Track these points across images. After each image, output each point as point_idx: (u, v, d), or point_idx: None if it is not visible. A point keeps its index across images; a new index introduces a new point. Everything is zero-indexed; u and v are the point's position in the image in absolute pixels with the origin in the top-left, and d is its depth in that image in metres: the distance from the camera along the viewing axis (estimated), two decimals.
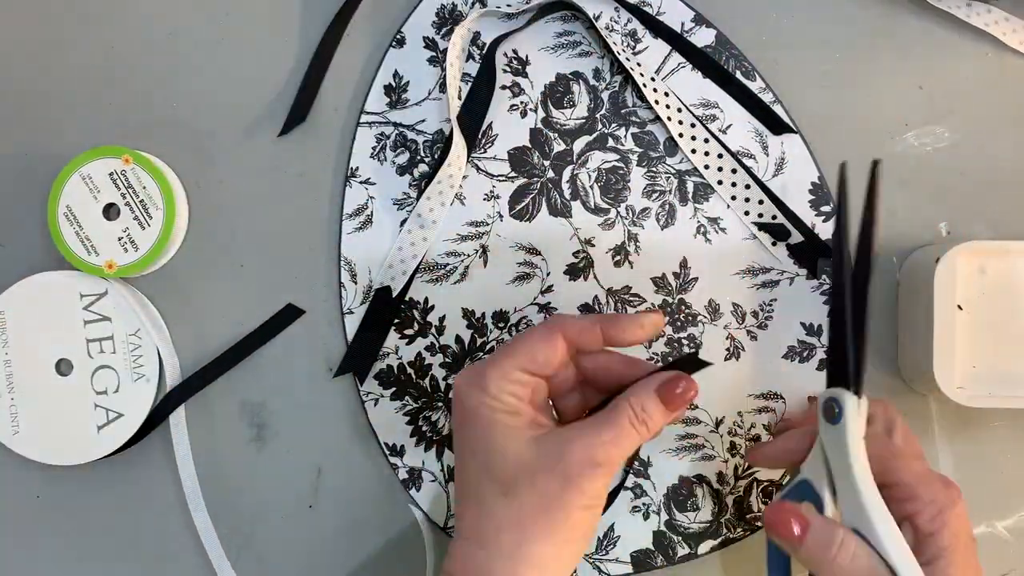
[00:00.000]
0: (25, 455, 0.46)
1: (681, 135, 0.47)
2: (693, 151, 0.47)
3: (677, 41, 0.47)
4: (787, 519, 0.36)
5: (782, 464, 0.42)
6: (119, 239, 0.45)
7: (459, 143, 0.46)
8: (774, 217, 0.46)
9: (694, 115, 0.47)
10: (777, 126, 0.47)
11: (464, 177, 0.47)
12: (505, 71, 0.48)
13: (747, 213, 0.47)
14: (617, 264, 0.47)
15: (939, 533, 0.35)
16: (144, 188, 0.45)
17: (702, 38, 0.48)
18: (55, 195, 0.45)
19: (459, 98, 0.47)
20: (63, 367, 0.46)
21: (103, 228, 0.45)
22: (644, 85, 0.46)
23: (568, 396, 0.39)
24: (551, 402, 0.39)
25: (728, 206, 0.47)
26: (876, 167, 0.37)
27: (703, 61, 0.47)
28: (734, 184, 0.47)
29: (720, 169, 0.47)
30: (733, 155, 0.47)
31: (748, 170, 0.47)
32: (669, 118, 0.47)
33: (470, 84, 0.47)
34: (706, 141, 0.47)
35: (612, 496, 0.46)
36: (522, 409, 0.36)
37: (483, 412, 0.35)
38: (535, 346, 0.36)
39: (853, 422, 0.36)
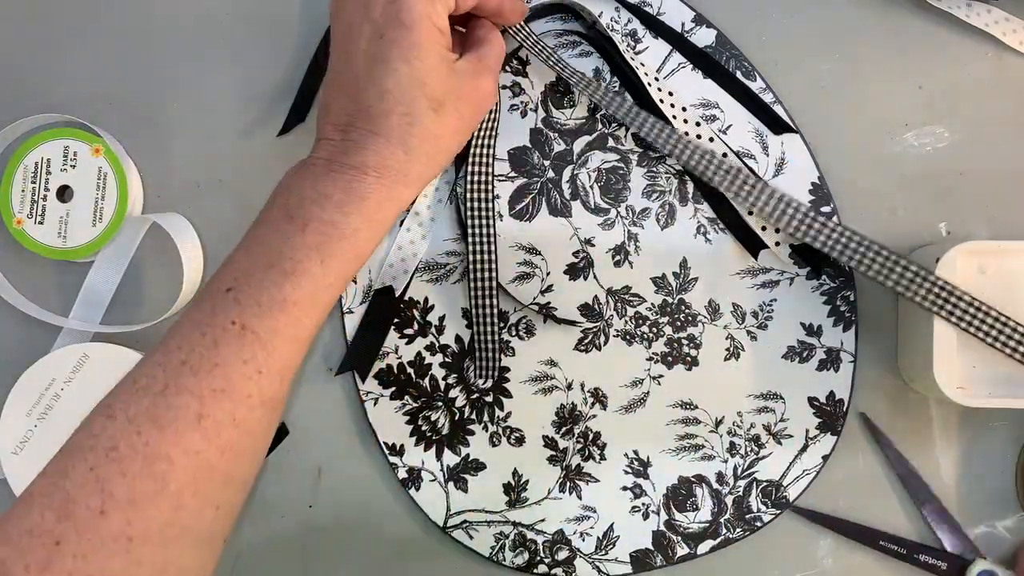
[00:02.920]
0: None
1: (686, 133, 0.47)
2: None
3: (677, 41, 0.47)
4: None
5: None
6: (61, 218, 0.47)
7: None
8: None
9: (698, 115, 0.47)
10: (777, 126, 0.47)
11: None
12: (505, 71, 0.48)
13: (751, 213, 0.47)
14: (617, 264, 0.47)
15: None
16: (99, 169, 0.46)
17: (702, 38, 0.48)
18: (12, 166, 0.47)
19: None
20: None
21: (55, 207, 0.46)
22: (648, 84, 0.46)
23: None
24: None
25: (731, 205, 0.47)
26: None
27: (703, 61, 0.47)
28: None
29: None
30: (737, 154, 0.47)
31: (752, 171, 0.47)
32: (675, 116, 0.47)
33: None
34: (711, 140, 0.47)
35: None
36: (446, 31, 0.39)
37: (426, 24, 0.37)
38: None
39: None
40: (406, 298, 0.47)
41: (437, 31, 0.38)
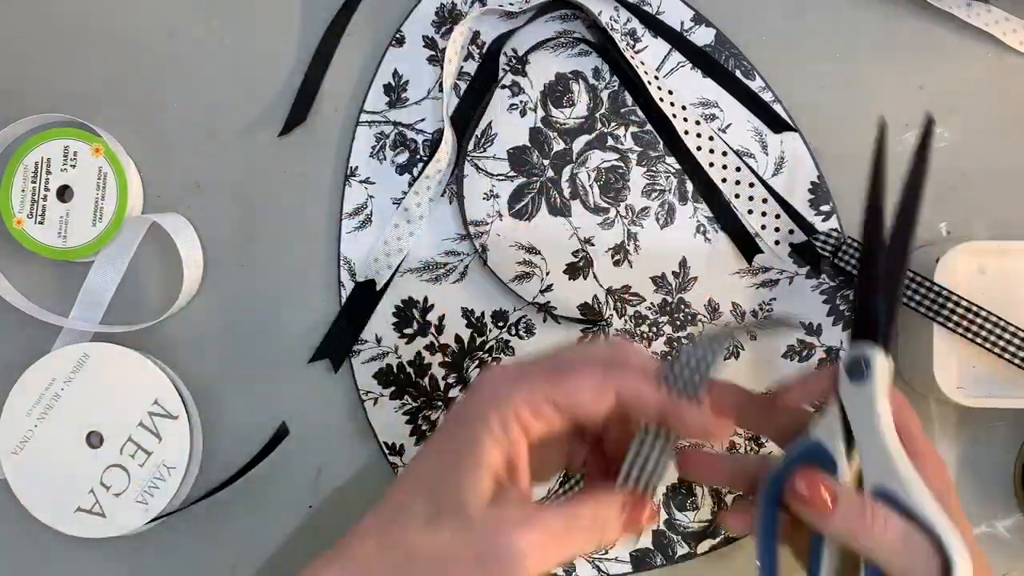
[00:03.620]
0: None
1: (687, 132, 0.47)
2: (699, 148, 0.47)
3: (677, 40, 0.47)
4: (818, 488, 0.32)
5: (802, 402, 0.38)
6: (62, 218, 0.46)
7: (449, 139, 0.46)
8: (777, 216, 0.46)
9: (698, 114, 0.47)
10: (777, 124, 0.47)
11: (464, 176, 0.47)
12: (505, 70, 0.48)
13: (750, 212, 0.47)
14: (617, 263, 0.47)
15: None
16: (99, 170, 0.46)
17: (702, 37, 0.48)
18: (12, 166, 0.46)
19: (457, 96, 0.47)
20: (93, 439, 0.46)
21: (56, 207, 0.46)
22: (649, 83, 0.46)
23: (547, 448, 0.34)
24: None
25: (731, 204, 0.47)
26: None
27: (702, 60, 0.47)
28: (738, 183, 0.47)
29: (724, 167, 0.47)
30: (737, 154, 0.47)
31: (752, 170, 0.47)
32: (674, 115, 0.47)
33: (468, 82, 0.47)
34: (711, 139, 0.47)
35: None
36: (512, 450, 0.32)
37: (479, 427, 0.31)
38: (583, 388, 0.32)
39: (882, 379, 0.34)
40: (405, 297, 0.47)
41: (493, 443, 0.31)
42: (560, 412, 0.32)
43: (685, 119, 0.47)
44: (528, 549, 0.30)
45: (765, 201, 0.47)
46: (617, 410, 0.32)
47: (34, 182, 0.46)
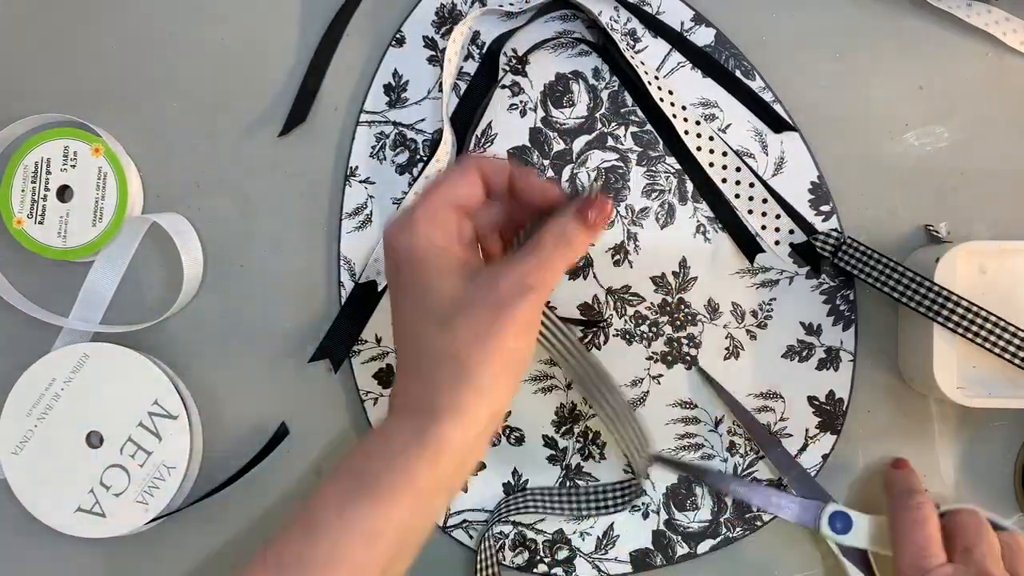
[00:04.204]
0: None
1: (687, 132, 0.47)
2: (698, 148, 0.47)
3: (677, 40, 0.47)
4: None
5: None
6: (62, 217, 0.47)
7: (449, 139, 0.46)
8: (777, 216, 0.46)
9: (698, 114, 0.47)
10: (777, 124, 0.47)
11: None
12: (505, 70, 0.48)
13: (751, 212, 0.47)
14: (616, 263, 0.47)
15: None
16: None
17: (702, 37, 0.47)
18: (12, 166, 0.46)
19: (457, 96, 0.47)
20: (92, 439, 0.46)
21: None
22: (649, 83, 0.46)
23: (491, 237, 0.39)
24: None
25: (732, 205, 0.47)
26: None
27: (703, 60, 0.47)
28: (738, 183, 0.47)
29: (725, 167, 0.47)
30: (737, 154, 0.47)
31: (753, 170, 0.47)
32: (674, 116, 0.47)
33: (468, 82, 0.47)
34: (711, 139, 0.47)
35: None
36: (451, 247, 0.36)
37: (416, 254, 0.35)
38: (456, 183, 0.37)
39: None
40: None
41: (435, 254, 0.36)
42: (454, 208, 0.36)
43: (685, 119, 0.47)
44: (528, 281, 0.34)
45: (765, 201, 0.47)
46: (491, 188, 0.38)
47: (34, 182, 0.46)
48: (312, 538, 0.33)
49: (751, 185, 0.47)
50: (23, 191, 0.46)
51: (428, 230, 0.36)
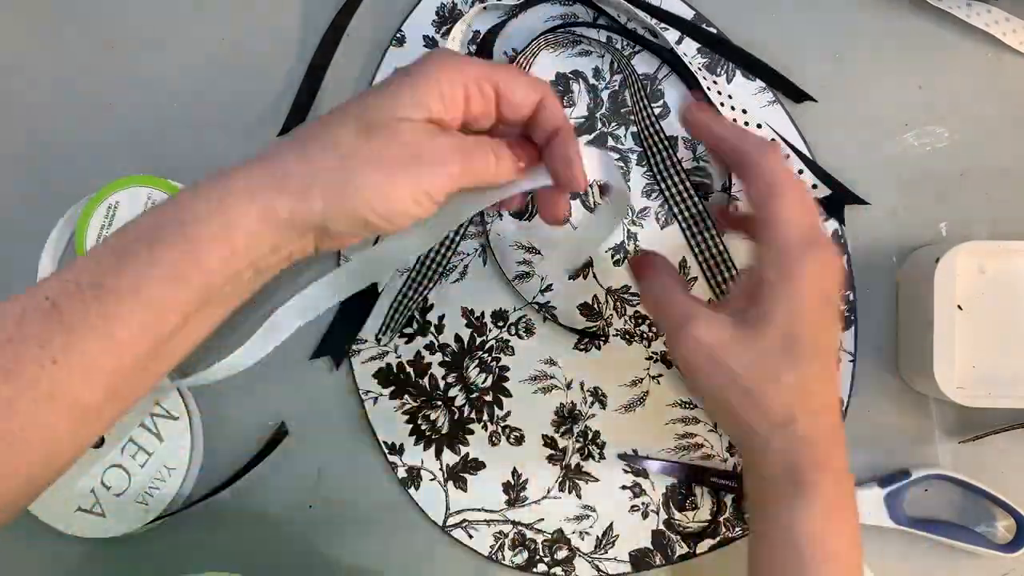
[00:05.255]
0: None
1: (722, 104, 0.46)
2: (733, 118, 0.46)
3: (689, 29, 0.47)
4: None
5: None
6: None
7: None
8: (800, 172, 0.46)
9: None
10: (798, 95, 0.47)
11: None
12: None
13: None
14: (616, 263, 0.47)
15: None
16: None
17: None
18: (83, 223, 0.45)
19: None
20: None
21: None
22: (684, 55, 0.46)
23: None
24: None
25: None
26: None
27: (715, 43, 0.47)
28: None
29: (746, 124, 0.47)
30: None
31: (773, 128, 0.46)
32: (708, 88, 0.46)
33: None
34: (733, 108, 0.47)
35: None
36: (448, 115, 0.34)
37: (426, 80, 0.33)
38: (520, 83, 0.35)
39: None
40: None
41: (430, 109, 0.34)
42: (491, 100, 0.35)
43: (719, 92, 0.47)
44: (450, 155, 0.33)
45: (787, 157, 0.46)
46: (534, 116, 0.36)
47: (106, 217, 0.46)
48: (120, 268, 0.31)
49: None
50: (101, 228, 0.46)
51: (467, 82, 0.34)
